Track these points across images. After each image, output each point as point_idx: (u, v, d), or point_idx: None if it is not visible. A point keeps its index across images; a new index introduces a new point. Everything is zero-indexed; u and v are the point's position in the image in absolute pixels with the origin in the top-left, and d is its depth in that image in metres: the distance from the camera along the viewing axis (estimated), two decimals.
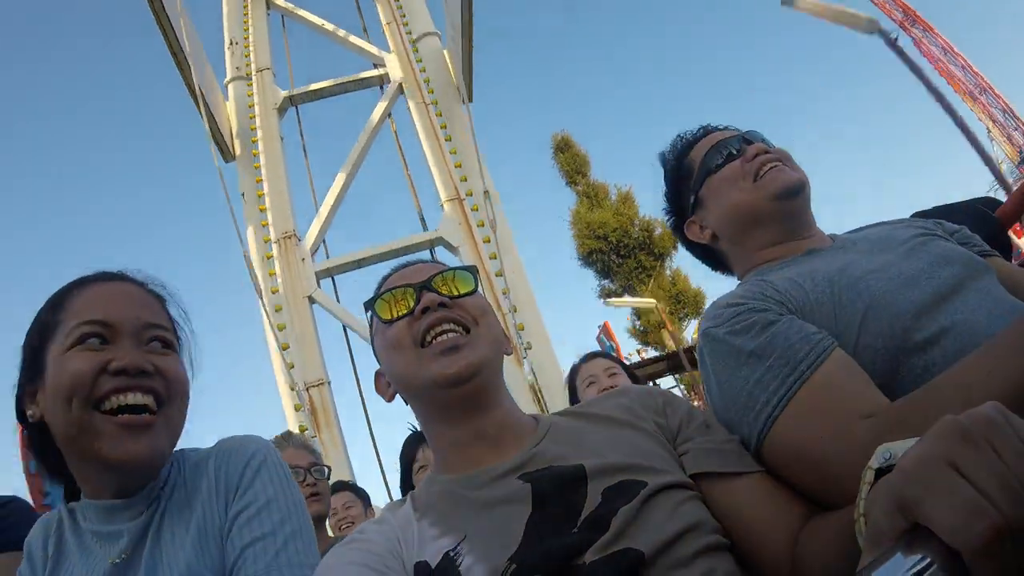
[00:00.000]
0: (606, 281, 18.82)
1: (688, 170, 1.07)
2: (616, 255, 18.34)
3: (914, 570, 0.37)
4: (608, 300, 15.76)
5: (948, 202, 1.61)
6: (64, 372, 0.73)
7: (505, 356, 0.84)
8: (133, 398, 0.73)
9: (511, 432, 0.78)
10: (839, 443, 0.68)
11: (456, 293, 0.80)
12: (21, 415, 0.79)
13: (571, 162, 20.36)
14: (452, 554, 0.67)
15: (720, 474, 0.73)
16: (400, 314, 0.79)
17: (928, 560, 0.37)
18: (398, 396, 0.85)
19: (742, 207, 0.99)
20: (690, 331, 16.76)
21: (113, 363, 0.73)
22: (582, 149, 20.53)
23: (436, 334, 0.77)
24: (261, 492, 0.78)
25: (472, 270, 0.84)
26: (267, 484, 0.79)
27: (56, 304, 0.79)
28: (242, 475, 0.79)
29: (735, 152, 1.01)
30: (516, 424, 0.80)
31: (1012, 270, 0.97)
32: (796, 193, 0.96)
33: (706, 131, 1.09)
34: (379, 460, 8.14)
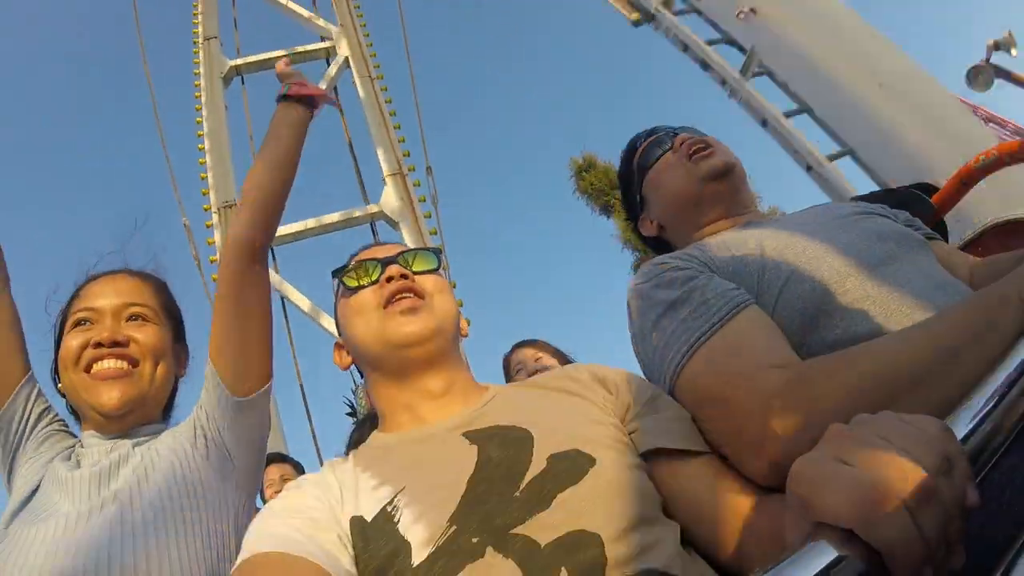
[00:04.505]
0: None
1: (633, 173, 1.15)
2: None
3: (815, 563, 0.34)
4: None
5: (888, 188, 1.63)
6: (65, 348, 0.98)
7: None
8: (107, 363, 0.96)
9: (459, 393, 0.81)
10: (747, 388, 0.68)
11: (419, 270, 0.86)
12: (55, 383, 1.05)
13: (601, 179, 18.68)
14: (390, 508, 0.66)
15: (670, 451, 0.72)
16: (365, 283, 0.84)
17: (829, 550, 0.34)
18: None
19: (678, 193, 1.05)
20: None
21: (93, 338, 0.96)
22: (606, 162, 18.83)
23: (397, 300, 0.81)
24: None
25: (436, 252, 0.90)
26: None
27: (72, 297, 1.05)
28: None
29: (668, 146, 1.08)
30: (466, 387, 0.83)
31: (951, 253, 0.99)
32: (724, 174, 1.01)
33: (650, 133, 1.14)
34: (313, 432, 8.12)
